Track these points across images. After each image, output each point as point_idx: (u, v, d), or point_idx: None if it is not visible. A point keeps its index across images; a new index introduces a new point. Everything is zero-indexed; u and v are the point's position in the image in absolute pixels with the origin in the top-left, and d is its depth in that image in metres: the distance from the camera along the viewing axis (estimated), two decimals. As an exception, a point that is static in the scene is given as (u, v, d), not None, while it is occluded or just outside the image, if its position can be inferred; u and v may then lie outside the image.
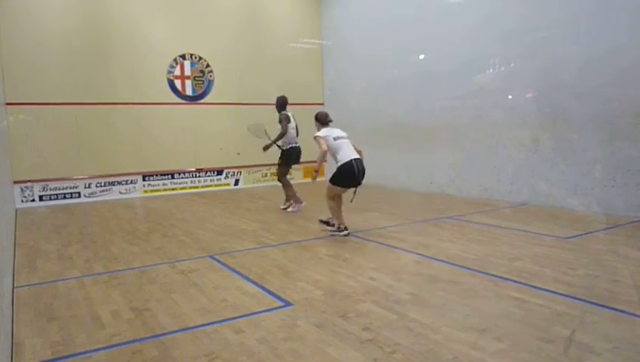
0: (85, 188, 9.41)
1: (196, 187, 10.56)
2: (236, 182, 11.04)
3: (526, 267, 4.09)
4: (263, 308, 3.33)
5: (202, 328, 3.02)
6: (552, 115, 6.98)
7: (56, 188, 9.15)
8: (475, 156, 8.24)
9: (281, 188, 7.62)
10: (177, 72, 10.27)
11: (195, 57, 10.45)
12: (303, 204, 7.45)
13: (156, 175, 10.13)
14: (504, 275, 3.88)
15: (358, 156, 5.39)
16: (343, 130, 5.71)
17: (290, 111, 7.52)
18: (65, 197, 9.22)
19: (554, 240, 5.02)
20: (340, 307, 3.30)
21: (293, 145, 7.42)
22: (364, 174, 5.41)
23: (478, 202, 7.75)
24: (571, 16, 6.62)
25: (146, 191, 10.01)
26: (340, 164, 5.35)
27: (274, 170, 8.68)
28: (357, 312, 3.19)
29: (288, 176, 7.67)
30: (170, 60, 10.19)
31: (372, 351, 2.62)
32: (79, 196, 9.35)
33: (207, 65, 10.58)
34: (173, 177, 10.32)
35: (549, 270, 3.98)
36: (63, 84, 9.10)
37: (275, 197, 8.52)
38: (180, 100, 10.34)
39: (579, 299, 3.30)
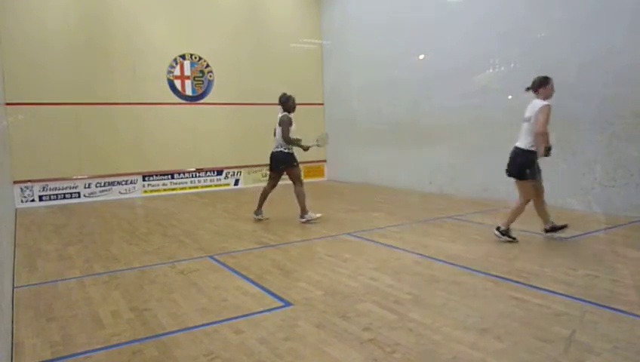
0: (85, 188, 9.41)
1: (196, 187, 10.56)
2: (236, 182, 11.03)
3: (526, 267, 4.09)
4: (262, 308, 3.33)
5: (202, 328, 3.02)
6: (552, 114, 6.96)
7: (56, 188, 9.14)
8: (475, 156, 8.23)
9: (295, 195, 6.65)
10: (177, 72, 10.26)
11: (195, 57, 10.45)
12: (258, 217, 6.83)
13: (156, 175, 10.13)
14: (504, 275, 3.88)
15: (517, 144, 5.00)
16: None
17: (280, 111, 6.58)
18: (65, 197, 9.21)
19: (554, 240, 5.02)
20: (340, 307, 3.30)
21: (272, 149, 6.57)
22: (514, 166, 4.91)
23: (478, 202, 7.75)
24: (571, 16, 6.62)
25: (145, 191, 10.01)
26: None
27: None
28: (357, 312, 3.19)
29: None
30: (170, 60, 10.19)
31: (372, 351, 2.62)
32: (79, 196, 9.34)
33: (207, 66, 10.57)
34: (173, 177, 10.32)
35: (549, 270, 3.99)
36: (63, 84, 9.09)
37: (276, 197, 8.50)
38: (179, 100, 10.33)
39: (579, 299, 3.30)
